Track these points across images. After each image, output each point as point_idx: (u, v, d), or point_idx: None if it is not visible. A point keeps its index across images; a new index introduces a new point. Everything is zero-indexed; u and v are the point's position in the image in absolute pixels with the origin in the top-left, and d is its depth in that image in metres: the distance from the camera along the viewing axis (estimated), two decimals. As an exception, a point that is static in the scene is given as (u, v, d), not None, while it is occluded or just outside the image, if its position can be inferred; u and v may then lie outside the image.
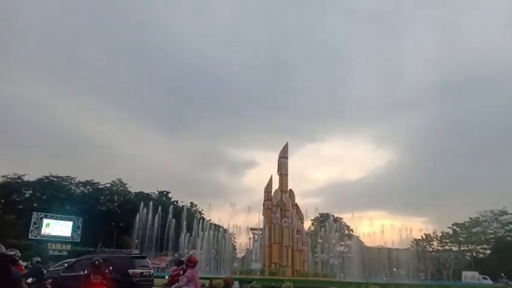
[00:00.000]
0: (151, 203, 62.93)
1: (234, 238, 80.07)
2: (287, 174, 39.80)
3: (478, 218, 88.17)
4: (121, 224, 76.14)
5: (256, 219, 56.65)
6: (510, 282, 53.28)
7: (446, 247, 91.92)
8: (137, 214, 58.23)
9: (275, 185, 39.96)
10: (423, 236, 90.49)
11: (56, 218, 67.25)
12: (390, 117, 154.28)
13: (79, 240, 67.90)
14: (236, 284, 25.45)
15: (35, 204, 74.58)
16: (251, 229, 70.08)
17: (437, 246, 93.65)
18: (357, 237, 72.79)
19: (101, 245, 68.97)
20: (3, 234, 48.77)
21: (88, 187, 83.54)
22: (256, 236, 70.52)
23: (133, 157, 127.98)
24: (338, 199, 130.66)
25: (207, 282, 24.81)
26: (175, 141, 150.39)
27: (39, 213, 66.14)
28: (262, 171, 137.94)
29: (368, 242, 72.11)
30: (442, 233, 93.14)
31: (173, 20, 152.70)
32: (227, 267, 58.97)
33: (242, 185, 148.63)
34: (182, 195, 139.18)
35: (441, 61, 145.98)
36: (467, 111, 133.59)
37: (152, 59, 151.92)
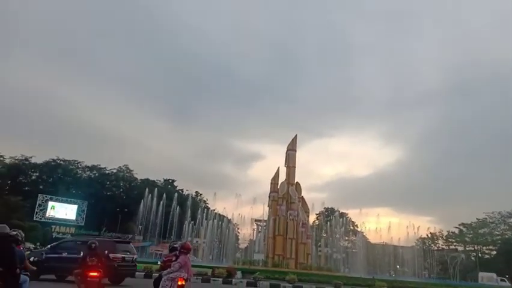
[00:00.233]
0: (156, 189, 62.79)
1: (238, 229, 80.00)
2: (295, 167, 39.18)
3: (486, 219, 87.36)
4: (126, 209, 76.28)
5: (261, 211, 56.26)
6: None
7: (452, 247, 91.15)
8: (142, 200, 58.08)
9: (282, 177, 39.47)
10: (429, 235, 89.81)
11: (62, 201, 67.55)
12: (399, 115, 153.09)
13: (83, 224, 68.19)
14: (239, 274, 25.07)
15: (41, 187, 75.00)
16: (255, 220, 69.81)
17: (442, 245, 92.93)
18: (362, 233, 72.27)
19: (105, 229, 69.16)
20: (8, 215, 48.97)
21: (95, 172, 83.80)
22: (260, 227, 70.22)
23: (141, 144, 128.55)
24: (343, 195, 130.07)
25: (209, 271, 24.46)
26: (183, 131, 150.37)
27: (44, 195, 66.49)
28: (269, 164, 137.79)
29: (372, 239, 71.64)
30: (448, 232, 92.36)
31: (183, 11, 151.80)
32: (229, 257, 58.80)
33: (248, 177, 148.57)
34: (188, 184, 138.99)
35: (451, 60, 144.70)
36: (475, 111, 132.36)
37: (163, 50, 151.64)
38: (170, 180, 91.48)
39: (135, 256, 17.24)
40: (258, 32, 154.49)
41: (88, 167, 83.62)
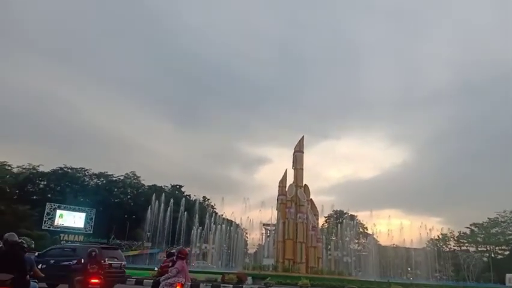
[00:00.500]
0: (163, 195, 62.54)
1: (246, 233, 79.49)
2: (302, 169, 38.53)
3: (497, 218, 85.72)
4: (134, 216, 76.13)
5: (269, 215, 55.82)
6: None
7: (463, 247, 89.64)
8: (149, 206, 57.84)
9: (290, 180, 38.83)
10: (440, 236, 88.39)
11: (70, 209, 67.53)
12: (406, 116, 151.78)
13: (91, 232, 68.07)
14: (249, 279, 24.52)
15: (49, 195, 75.10)
16: (264, 224, 69.30)
17: (454, 246, 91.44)
18: (373, 235, 71.35)
19: (114, 237, 68.97)
20: (16, 225, 48.76)
21: (102, 179, 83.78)
22: (268, 231, 69.72)
23: (148, 150, 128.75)
24: (351, 197, 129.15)
25: (218, 277, 23.99)
26: (190, 136, 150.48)
27: (52, 204, 66.49)
28: (276, 167, 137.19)
29: (382, 241, 70.70)
30: (459, 233, 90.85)
31: (189, 13, 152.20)
32: (239, 262, 58.28)
33: (255, 181, 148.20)
34: (195, 190, 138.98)
35: (458, 61, 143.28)
36: (484, 111, 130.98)
37: (170, 54, 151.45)
38: (178, 186, 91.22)
39: (123, 262, 16.97)
40: (263, 33, 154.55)
41: (95, 174, 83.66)
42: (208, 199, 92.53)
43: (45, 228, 62.64)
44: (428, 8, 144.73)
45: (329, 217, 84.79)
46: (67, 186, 78.28)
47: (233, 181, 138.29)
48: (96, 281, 10.24)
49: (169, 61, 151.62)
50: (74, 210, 67.99)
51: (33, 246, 21.10)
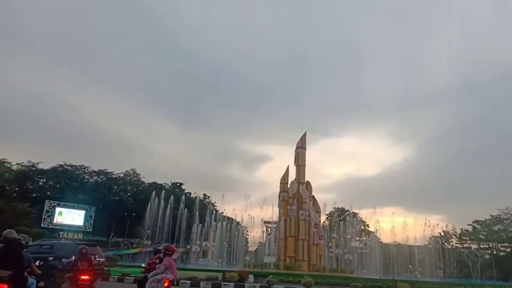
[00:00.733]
0: (163, 192, 62.02)
1: (247, 231, 78.98)
2: (304, 165, 37.90)
3: (500, 215, 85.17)
4: (134, 214, 75.65)
5: (270, 213, 55.20)
6: None
7: (466, 245, 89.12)
8: (149, 204, 57.31)
9: (291, 177, 38.23)
10: (442, 233, 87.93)
11: (69, 207, 67.02)
12: (406, 115, 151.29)
13: (91, 230, 67.59)
14: (251, 277, 23.96)
15: (48, 193, 74.53)
16: (265, 222, 68.80)
17: (456, 243, 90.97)
18: (374, 233, 70.83)
19: (113, 234, 68.49)
20: (15, 222, 48.34)
21: (102, 176, 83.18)
22: (269, 229, 69.26)
23: (148, 150, 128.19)
24: (352, 195, 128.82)
25: (219, 276, 23.43)
26: (190, 134, 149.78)
27: (52, 201, 66.01)
28: (276, 165, 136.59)
29: (384, 238, 70.19)
30: (461, 230, 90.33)
31: (189, 13, 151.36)
32: (239, 260, 57.80)
33: (255, 179, 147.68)
34: (196, 188, 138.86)
35: (458, 61, 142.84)
36: (485, 110, 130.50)
37: (171, 54, 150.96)
38: (178, 184, 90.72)
39: (102, 259, 16.76)
40: (263, 33, 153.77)
41: (95, 171, 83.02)
42: (209, 197, 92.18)
43: (45, 225, 62.16)
44: (428, 8, 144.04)
45: (330, 215, 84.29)
46: (66, 183, 77.65)
47: (233, 179, 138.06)
48: (86, 277, 10.45)
49: (169, 61, 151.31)
50: (73, 207, 67.48)
51: (30, 243, 20.62)
